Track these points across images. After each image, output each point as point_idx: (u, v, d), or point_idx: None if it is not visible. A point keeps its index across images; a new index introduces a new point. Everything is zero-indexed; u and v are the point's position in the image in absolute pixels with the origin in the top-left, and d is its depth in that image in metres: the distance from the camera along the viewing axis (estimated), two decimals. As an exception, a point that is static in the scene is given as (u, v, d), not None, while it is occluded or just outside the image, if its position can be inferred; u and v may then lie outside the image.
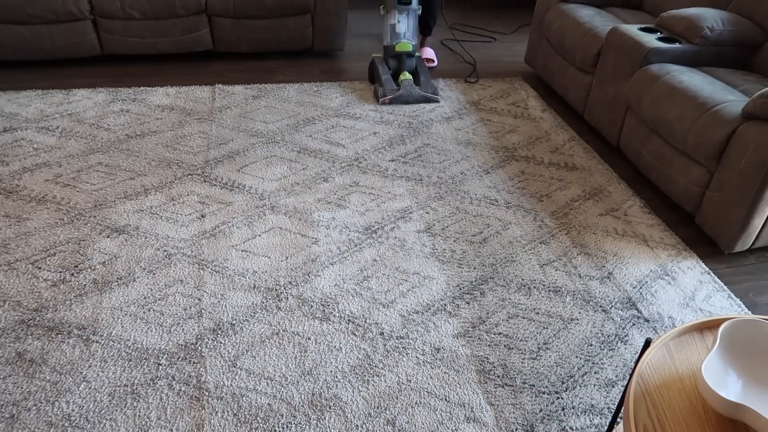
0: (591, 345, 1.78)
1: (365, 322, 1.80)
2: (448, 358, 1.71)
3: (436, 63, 3.66)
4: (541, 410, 1.58)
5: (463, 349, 1.73)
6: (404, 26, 3.23)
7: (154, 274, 1.93)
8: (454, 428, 1.52)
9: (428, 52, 3.68)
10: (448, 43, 3.99)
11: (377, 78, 3.26)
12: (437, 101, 3.19)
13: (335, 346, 1.72)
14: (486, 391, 1.62)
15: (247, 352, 1.68)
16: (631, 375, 1.10)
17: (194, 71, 3.39)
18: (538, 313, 1.88)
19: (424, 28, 3.63)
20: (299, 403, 1.55)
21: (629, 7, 3.30)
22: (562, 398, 1.62)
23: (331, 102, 3.11)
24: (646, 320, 1.89)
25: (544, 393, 1.63)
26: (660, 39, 2.59)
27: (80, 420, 1.48)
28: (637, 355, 1.77)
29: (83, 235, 2.08)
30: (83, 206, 2.22)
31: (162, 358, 1.65)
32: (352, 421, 1.51)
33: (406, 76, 3.21)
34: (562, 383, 1.66)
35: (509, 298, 1.93)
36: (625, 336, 1.82)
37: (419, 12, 3.28)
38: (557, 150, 2.81)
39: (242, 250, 2.05)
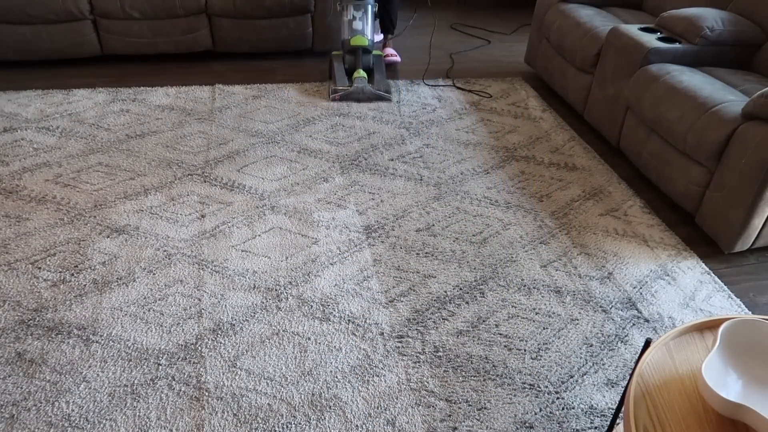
0: (591, 345, 1.78)
1: (365, 322, 1.80)
2: (448, 358, 1.71)
3: (399, 60, 3.64)
4: (541, 410, 1.58)
5: (463, 349, 1.73)
6: (361, 22, 3.19)
7: (154, 274, 1.93)
8: (454, 428, 1.52)
9: (388, 50, 3.64)
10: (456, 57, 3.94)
11: (331, 74, 3.25)
12: (389, 100, 3.15)
13: (335, 346, 1.72)
14: (486, 391, 1.62)
15: (247, 352, 1.68)
16: (631, 375, 1.10)
17: (194, 71, 3.39)
18: (538, 313, 1.88)
19: (386, 28, 3.58)
20: (299, 403, 1.55)
21: (629, 7, 3.30)
22: (562, 398, 1.62)
23: (331, 102, 3.11)
24: (646, 320, 1.89)
25: (544, 393, 1.63)
26: (660, 39, 2.59)
27: (80, 420, 1.48)
28: (637, 355, 1.77)
29: (83, 235, 2.08)
30: (83, 206, 2.22)
31: (162, 358, 1.65)
32: (352, 422, 1.51)
33: (360, 73, 3.16)
34: (562, 383, 1.66)
35: (509, 298, 1.93)
36: (625, 336, 1.82)
37: (375, 9, 3.28)
38: (557, 150, 2.81)
39: (242, 250, 2.05)
